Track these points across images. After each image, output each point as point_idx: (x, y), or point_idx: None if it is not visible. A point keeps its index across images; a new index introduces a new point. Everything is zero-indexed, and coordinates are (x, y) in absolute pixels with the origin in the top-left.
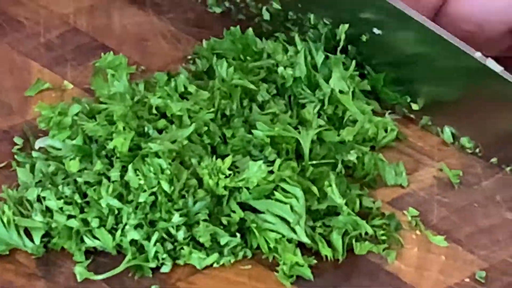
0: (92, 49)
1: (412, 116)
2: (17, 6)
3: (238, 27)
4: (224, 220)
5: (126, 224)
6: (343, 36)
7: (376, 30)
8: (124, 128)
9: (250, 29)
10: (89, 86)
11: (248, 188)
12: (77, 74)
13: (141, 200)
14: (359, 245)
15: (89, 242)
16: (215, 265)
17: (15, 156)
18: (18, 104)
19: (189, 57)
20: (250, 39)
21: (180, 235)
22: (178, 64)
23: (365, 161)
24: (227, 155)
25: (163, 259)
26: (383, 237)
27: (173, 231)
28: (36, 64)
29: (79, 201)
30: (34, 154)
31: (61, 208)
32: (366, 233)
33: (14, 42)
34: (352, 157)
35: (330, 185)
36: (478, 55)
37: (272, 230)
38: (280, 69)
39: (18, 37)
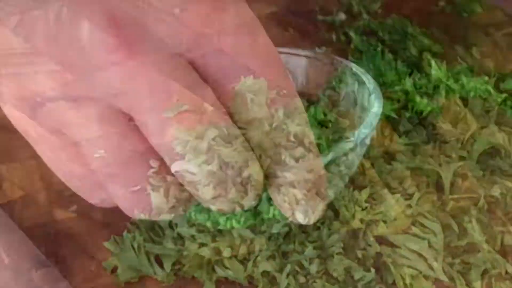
0: (234, 71)
1: None
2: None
3: (379, 48)
4: (359, 254)
5: (258, 255)
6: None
7: None
8: (260, 156)
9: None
10: (229, 109)
11: (385, 222)
12: (217, 96)
13: (274, 231)
14: (498, 285)
15: (220, 272)
16: None
17: (150, 180)
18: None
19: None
20: (387, 61)
21: (313, 268)
22: (319, 89)
23: (508, 196)
24: (364, 187)
25: None
26: None
27: (306, 264)
28: (176, 84)
29: (211, 229)
30: (168, 178)
31: (193, 236)
32: (507, 272)
33: (155, 61)
34: (495, 192)
35: (470, 221)
36: None
37: (408, 266)
38: (417, 98)
39: (159, 56)
